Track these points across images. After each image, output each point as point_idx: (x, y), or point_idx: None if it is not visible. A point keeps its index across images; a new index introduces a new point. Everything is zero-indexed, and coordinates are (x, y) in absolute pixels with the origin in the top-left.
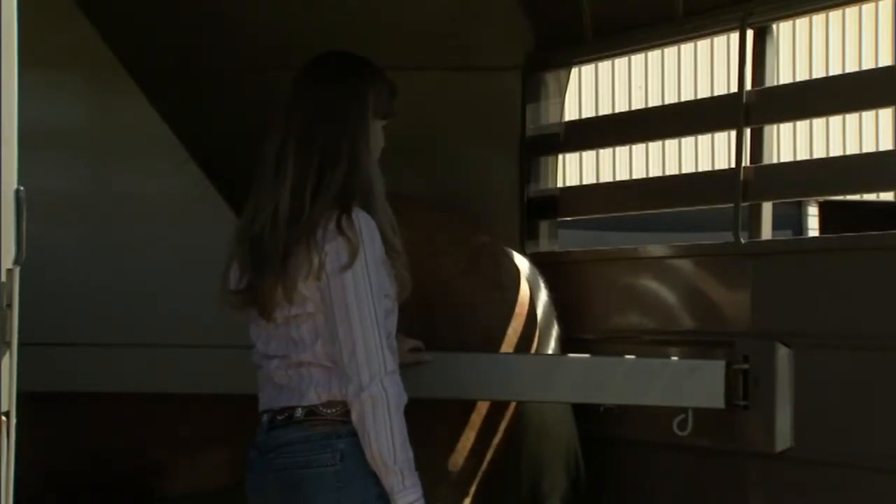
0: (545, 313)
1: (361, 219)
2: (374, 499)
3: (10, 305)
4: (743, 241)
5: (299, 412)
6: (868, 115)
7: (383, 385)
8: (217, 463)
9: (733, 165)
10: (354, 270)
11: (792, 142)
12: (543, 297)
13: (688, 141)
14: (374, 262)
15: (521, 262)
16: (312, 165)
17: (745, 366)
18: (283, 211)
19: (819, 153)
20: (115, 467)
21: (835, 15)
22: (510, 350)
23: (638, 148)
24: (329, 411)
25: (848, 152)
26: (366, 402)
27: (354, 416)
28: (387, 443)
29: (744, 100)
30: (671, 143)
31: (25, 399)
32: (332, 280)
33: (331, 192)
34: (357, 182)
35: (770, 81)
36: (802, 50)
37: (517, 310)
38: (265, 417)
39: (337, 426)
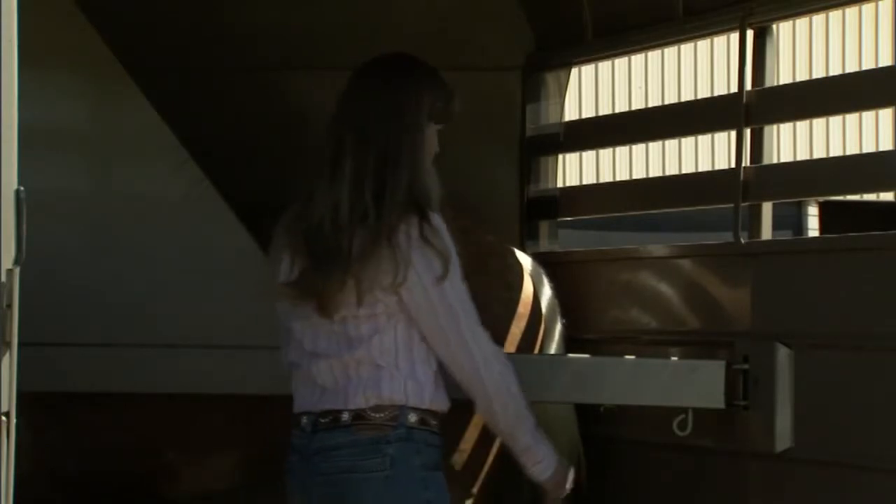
0: (549, 311)
1: (441, 224)
2: (424, 503)
3: (10, 305)
4: (743, 241)
5: (346, 416)
6: (868, 115)
7: (498, 366)
8: (224, 465)
9: (733, 165)
10: (451, 277)
11: (792, 142)
12: (547, 295)
13: (688, 141)
14: (456, 261)
15: (525, 261)
16: (369, 166)
17: (745, 366)
18: (344, 209)
19: (819, 153)
20: (123, 469)
21: (835, 15)
22: (514, 349)
23: (638, 148)
24: (377, 416)
25: (848, 152)
26: (489, 388)
27: (480, 403)
28: (516, 419)
29: (744, 100)
30: (671, 143)
31: (31, 400)
32: (430, 291)
33: (399, 196)
34: (421, 186)
35: (770, 81)
36: (802, 50)
37: (521, 309)
38: (305, 420)
39: (386, 431)
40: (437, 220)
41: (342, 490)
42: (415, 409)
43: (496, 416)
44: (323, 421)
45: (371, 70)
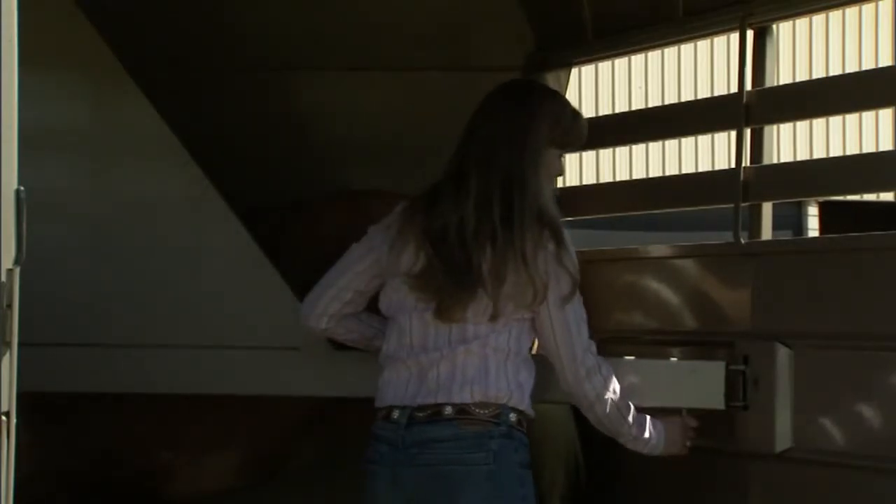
0: None
1: (572, 247)
2: (520, 499)
3: (10, 305)
4: (743, 241)
5: (448, 409)
6: (868, 115)
7: (600, 378)
8: (225, 465)
9: (733, 165)
10: (575, 299)
11: (792, 142)
12: None
13: (688, 141)
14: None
15: None
16: (494, 187)
17: (745, 366)
18: (470, 227)
19: (819, 153)
20: (127, 468)
21: (835, 15)
22: None
23: (638, 148)
24: (481, 412)
25: (848, 152)
26: (590, 396)
27: (584, 408)
28: (618, 420)
29: (744, 100)
30: (671, 143)
31: (31, 400)
32: (553, 311)
33: (529, 220)
34: (549, 210)
35: (770, 81)
36: (802, 50)
37: None
38: (397, 413)
39: (489, 426)
40: (570, 242)
41: (445, 481)
42: (514, 410)
43: (600, 420)
44: (420, 415)
45: (497, 94)
